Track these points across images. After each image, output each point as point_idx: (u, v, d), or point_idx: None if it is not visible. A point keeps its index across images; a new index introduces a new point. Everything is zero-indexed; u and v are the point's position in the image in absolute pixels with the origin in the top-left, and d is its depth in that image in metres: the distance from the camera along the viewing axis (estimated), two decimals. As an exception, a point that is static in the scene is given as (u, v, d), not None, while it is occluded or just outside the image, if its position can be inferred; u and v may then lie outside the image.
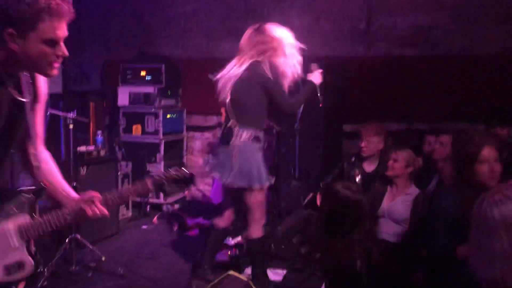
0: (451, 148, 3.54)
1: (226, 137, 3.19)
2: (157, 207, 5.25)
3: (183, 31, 5.71)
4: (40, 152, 1.93)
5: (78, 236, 3.66)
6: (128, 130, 5.32)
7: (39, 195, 1.86)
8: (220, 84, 3.28)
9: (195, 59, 5.65)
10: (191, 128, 5.85)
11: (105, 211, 1.83)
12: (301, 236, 3.81)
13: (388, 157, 3.62)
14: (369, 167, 3.95)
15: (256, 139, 3.18)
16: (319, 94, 3.41)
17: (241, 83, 3.17)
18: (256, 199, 3.21)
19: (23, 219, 1.76)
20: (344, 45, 5.13)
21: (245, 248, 3.77)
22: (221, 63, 5.39)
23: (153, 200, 5.22)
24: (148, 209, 5.20)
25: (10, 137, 1.84)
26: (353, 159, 4.03)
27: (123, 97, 5.30)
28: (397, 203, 3.51)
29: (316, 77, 3.34)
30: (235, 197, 3.35)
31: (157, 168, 5.20)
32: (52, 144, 5.19)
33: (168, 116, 5.40)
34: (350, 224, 2.35)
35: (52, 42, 1.69)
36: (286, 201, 4.84)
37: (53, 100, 4.93)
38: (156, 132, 5.23)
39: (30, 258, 1.76)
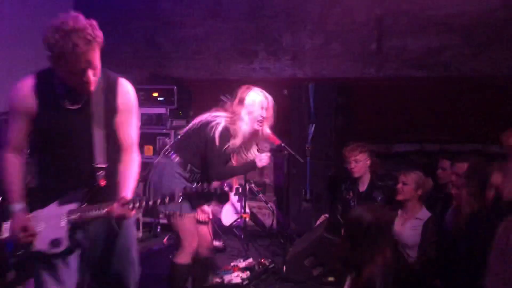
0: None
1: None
2: (167, 228, 5.22)
3: (194, 53, 5.77)
4: (124, 156, 2.26)
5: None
6: (140, 150, 5.32)
7: (94, 190, 2.18)
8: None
9: (206, 80, 5.69)
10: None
11: (128, 214, 2.09)
12: (313, 258, 3.77)
13: (397, 180, 3.60)
14: (362, 186, 3.98)
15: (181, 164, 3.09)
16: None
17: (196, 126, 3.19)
18: (177, 224, 3.10)
19: (74, 205, 2.14)
20: (355, 66, 5.16)
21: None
22: (232, 84, 5.44)
23: (163, 220, 5.20)
24: (158, 229, 5.19)
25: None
26: (348, 182, 4.05)
27: (135, 118, 5.34)
28: (407, 228, 3.47)
29: (261, 160, 3.18)
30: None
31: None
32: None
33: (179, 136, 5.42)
34: (373, 247, 2.32)
35: (78, 73, 2.03)
36: (296, 223, 4.82)
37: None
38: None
39: (66, 239, 2.12)
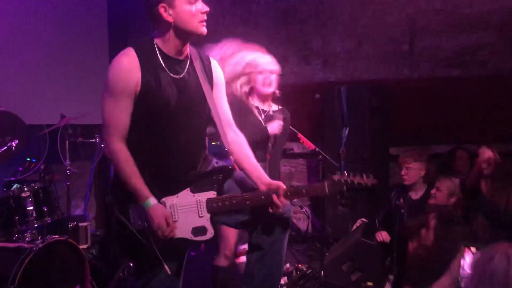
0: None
1: None
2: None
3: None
4: (230, 136, 2.21)
5: (131, 264, 3.72)
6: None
7: (227, 176, 2.18)
8: None
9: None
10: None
11: (286, 203, 2.10)
12: (351, 263, 3.73)
13: (433, 184, 3.52)
14: (415, 194, 3.85)
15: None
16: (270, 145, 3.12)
17: None
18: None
19: (212, 194, 2.13)
20: (387, 68, 5.10)
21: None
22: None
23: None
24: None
25: (190, 119, 2.11)
26: (399, 188, 3.95)
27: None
28: None
29: (273, 127, 3.09)
30: None
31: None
32: (102, 172, 5.31)
33: (213, 143, 5.47)
34: None
35: (195, 0, 2.06)
36: (333, 227, 4.78)
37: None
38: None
39: (211, 227, 2.11)
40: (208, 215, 2.11)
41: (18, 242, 3.07)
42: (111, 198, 2.14)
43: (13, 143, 3.30)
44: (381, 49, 5.13)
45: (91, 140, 4.22)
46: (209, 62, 2.24)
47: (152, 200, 2.03)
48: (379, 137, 4.66)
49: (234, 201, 2.11)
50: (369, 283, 3.64)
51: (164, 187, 2.10)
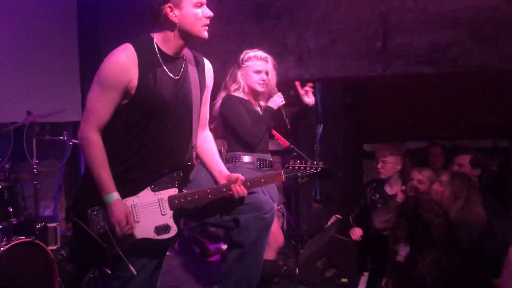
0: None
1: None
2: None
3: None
4: (202, 133, 2.27)
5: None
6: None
7: (187, 172, 2.18)
8: None
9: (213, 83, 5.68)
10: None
11: (245, 192, 2.14)
12: (326, 259, 3.73)
13: (410, 178, 3.56)
14: (390, 189, 3.88)
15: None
16: (284, 116, 3.31)
17: None
18: None
19: (173, 191, 2.11)
20: (361, 65, 5.11)
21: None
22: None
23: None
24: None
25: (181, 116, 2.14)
26: (374, 184, 3.98)
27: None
28: None
29: (275, 101, 3.27)
30: None
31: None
32: (72, 172, 5.22)
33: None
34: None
35: (200, 4, 2.10)
36: (307, 224, 4.78)
37: (74, 128, 4.98)
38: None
39: (175, 225, 2.09)
40: (171, 212, 2.10)
41: (-19, 244, 2.95)
42: (72, 202, 2.16)
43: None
44: (354, 46, 5.15)
45: (59, 138, 4.10)
46: (203, 64, 2.27)
47: (116, 195, 2.01)
48: (353, 134, 4.68)
49: (196, 196, 2.12)
50: (344, 280, 3.65)
51: (127, 186, 2.07)
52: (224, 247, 4.66)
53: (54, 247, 4.08)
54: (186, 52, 2.19)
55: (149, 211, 2.08)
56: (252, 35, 5.52)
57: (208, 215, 2.24)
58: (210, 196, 2.13)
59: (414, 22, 4.91)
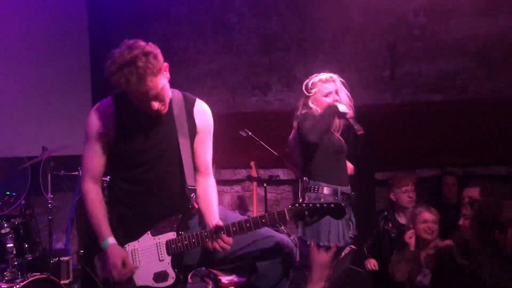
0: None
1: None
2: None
3: (209, 88, 5.83)
4: (202, 179, 2.16)
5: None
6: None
7: (186, 215, 2.10)
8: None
9: (221, 114, 5.72)
10: (220, 183, 5.84)
11: (226, 246, 1.98)
12: (340, 291, 3.68)
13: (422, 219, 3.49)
14: (401, 219, 3.86)
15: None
16: (356, 131, 3.14)
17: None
18: (316, 258, 3.00)
19: (172, 235, 2.04)
20: (370, 94, 5.16)
21: None
22: (247, 117, 5.50)
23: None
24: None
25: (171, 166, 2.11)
26: (385, 213, 3.95)
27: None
28: None
29: (341, 105, 3.10)
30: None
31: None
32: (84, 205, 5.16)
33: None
34: None
35: (145, 99, 1.97)
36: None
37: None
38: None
39: (173, 272, 2.01)
40: (169, 258, 2.03)
41: (-3, 281, 2.96)
42: (83, 248, 2.20)
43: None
44: (362, 75, 5.20)
45: (73, 173, 4.14)
46: (192, 108, 2.18)
47: (111, 240, 2.02)
48: (364, 163, 4.66)
49: (193, 240, 2.01)
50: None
51: (129, 232, 2.08)
52: (237, 279, 4.62)
53: (67, 281, 4.07)
54: (176, 96, 2.17)
55: (149, 256, 2.04)
56: (261, 67, 5.61)
57: (216, 260, 2.16)
58: (207, 239, 2.02)
59: (421, 51, 4.98)
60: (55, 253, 3.94)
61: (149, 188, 2.09)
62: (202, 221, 2.15)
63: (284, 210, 1.99)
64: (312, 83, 3.15)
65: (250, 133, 4.50)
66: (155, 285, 2.01)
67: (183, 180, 2.09)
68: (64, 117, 4.88)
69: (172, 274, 2.01)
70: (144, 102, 1.98)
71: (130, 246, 2.06)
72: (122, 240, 2.06)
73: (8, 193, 3.95)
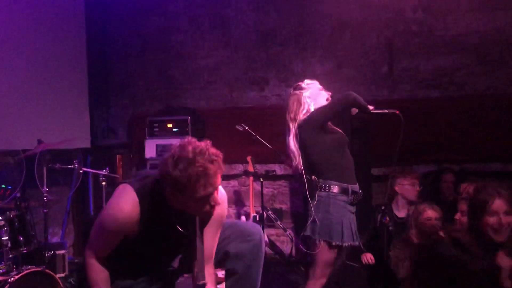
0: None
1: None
2: None
3: (207, 82, 5.82)
4: (206, 271, 2.07)
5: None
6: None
7: None
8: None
9: (219, 109, 5.73)
10: (217, 177, 5.85)
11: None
12: (336, 286, 3.68)
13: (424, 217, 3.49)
14: (400, 213, 3.87)
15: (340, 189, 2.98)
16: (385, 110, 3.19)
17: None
18: (323, 256, 2.96)
19: None
20: (367, 89, 5.15)
21: None
22: (245, 112, 5.49)
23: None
24: None
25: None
26: (383, 207, 3.96)
27: (150, 150, 5.36)
28: None
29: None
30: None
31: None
32: (80, 198, 5.21)
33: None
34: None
35: (205, 199, 1.89)
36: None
37: (83, 155, 5.02)
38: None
39: None
40: None
41: (-9, 274, 2.95)
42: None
43: (-13, 170, 3.21)
44: (360, 71, 5.20)
45: (69, 166, 4.12)
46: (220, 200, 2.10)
47: None
48: (361, 158, 4.65)
49: None
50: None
51: None
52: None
53: (63, 275, 4.06)
54: None
55: None
56: (259, 61, 5.59)
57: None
58: None
59: (419, 47, 4.97)
60: (50, 246, 3.93)
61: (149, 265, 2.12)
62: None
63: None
64: (307, 83, 3.21)
65: (246, 128, 4.50)
66: None
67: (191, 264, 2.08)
68: (60, 110, 4.87)
69: None
70: (207, 197, 1.91)
71: None
72: None
73: (4, 186, 3.94)
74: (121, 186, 2.04)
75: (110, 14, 5.70)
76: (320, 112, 3.04)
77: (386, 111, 3.10)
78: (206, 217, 2.02)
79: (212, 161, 1.87)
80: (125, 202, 1.97)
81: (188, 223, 2.02)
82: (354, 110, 3.19)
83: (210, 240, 2.11)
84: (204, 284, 2.02)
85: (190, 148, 1.87)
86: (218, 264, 2.25)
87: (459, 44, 4.85)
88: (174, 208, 1.97)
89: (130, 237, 2.00)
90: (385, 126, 4.93)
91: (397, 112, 3.07)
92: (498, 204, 2.29)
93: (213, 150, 1.90)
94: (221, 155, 1.92)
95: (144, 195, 1.97)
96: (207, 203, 1.92)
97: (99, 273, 2.07)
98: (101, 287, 2.05)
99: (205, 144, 1.92)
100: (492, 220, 2.26)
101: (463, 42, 4.84)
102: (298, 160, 3.07)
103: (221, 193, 2.13)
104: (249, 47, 5.61)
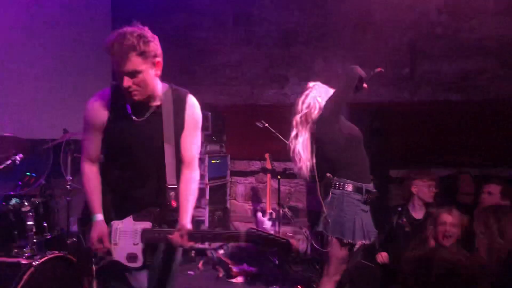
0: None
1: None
2: (201, 253, 5.25)
3: (228, 79, 5.88)
4: (185, 171, 2.28)
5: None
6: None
7: (164, 211, 2.24)
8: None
9: (239, 105, 5.78)
10: (234, 173, 5.91)
11: (185, 244, 2.17)
12: (351, 285, 3.70)
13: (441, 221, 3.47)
14: (416, 214, 3.87)
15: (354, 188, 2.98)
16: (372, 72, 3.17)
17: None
18: (336, 253, 2.99)
19: (148, 224, 2.22)
20: (388, 90, 5.15)
21: None
22: (265, 109, 5.53)
23: (198, 245, 5.22)
24: (193, 254, 5.21)
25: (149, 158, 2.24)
26: (399, 208, 3.96)
27: (170, 144, 5.44)
28: None
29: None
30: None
31: (203, 213, 5.24)
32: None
33: (213, 161, 5.49)
34: None
35: (119, 75, 2.11)
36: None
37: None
38: (201, 177, 5.29)
39: (142, 257, 2.20)
40: (142, 245, 2.21)
41: (16, 257, 3.03)
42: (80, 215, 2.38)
43: (17, 157, 3.31)
44: (381, 72, 5.18)
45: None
46: (184, 104, 2.28)
47: (98, 216, 2.23)
48: (379, 159, 4.66)
49: (161, 234, 2.20)
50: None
51: (118, 211, 2.26)
52: (247, 268, 4.68)
53: (82, 262, 4.15)
54: (168, 91, 2.28)
55: (126, 238, 2.23)
56: (280, 60, 5.63)
57: None
58: (167, 239, 2.20)
59: (443, 49, 4.94)
60: (72, 234, 4.03)
61: (133, 178, 2.25)
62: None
63: (244, 233, 2.12)
64: (313, 83, 3.29)
65: (266, 124, 4.54)
66: (127, 263, 2.22)
67: (163, 178, 2.22)
68: (86, 100, 4.96)
69: (141, 258, 2.20)
70: (119, 76, 2.12)
71: (115, 224, 2.24)
72: (113, 217, 2.25)
73: (28, 173, 4.04)
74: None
75: (135, 11, 5.79)
76: (332, 100, 3.07)
77: (372, 73, 3.14)
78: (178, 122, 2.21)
79: (124, 46, 2.07)
80: (98, 93, 2.28)
81: (142, 112, 2.21)
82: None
83: (188, 144, 2.27)
84: (176, 220, 2.21)
85: (129, 28, 2.12)
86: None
87: (483, 48, 4.81)
88: (129, 100, 2.18)
89: (102, 124, 2.20)
90: (404, 129, 4.94)
91: (379, 69, 3.17)
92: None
93: (138, 42, 2.09)
94: (148, 51, 2.14)
95: (115, 88, 2.23)
96: (123, 77, 2.10)
97: (90, 180, 2.26)
98: (91, 194, 2.23)
99: (141, 35, 2.11)
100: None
101: (487, 46, 4.79)
102: (302, 163, 3.11)
103: (192, 100, 2.31)
104: (271, 45, 5.65)
